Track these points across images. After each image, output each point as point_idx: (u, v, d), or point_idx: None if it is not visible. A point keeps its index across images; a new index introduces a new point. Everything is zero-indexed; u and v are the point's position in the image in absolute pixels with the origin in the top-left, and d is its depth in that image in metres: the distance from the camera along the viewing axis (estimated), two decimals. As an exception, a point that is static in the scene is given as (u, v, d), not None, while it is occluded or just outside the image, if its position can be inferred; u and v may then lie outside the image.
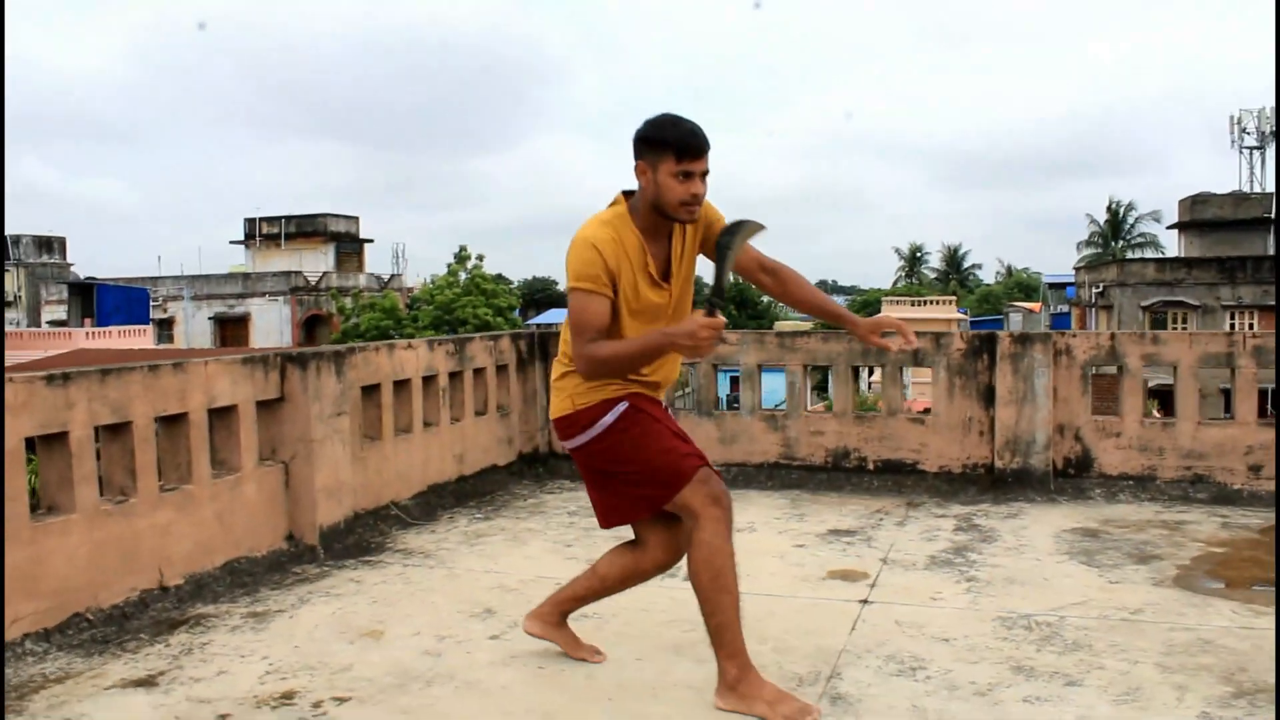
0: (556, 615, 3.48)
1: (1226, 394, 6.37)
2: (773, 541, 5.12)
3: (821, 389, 37.72)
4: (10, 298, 39.52)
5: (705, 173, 2.96)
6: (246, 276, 40.98)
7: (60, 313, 38.00)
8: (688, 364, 6.62)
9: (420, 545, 5.12)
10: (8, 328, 35.02)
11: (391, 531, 5.37)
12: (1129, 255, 48.46)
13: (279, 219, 44.35)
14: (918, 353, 6.39)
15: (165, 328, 39.45)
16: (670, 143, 2.90)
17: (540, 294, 74.90)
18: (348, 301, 35.77)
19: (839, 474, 6.46)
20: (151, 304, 37.67)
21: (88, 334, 31.69)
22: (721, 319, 2.83)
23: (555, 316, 46.20)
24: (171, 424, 4.42)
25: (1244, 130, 42.91)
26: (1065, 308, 46.50)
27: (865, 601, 4.14)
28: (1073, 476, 6.17)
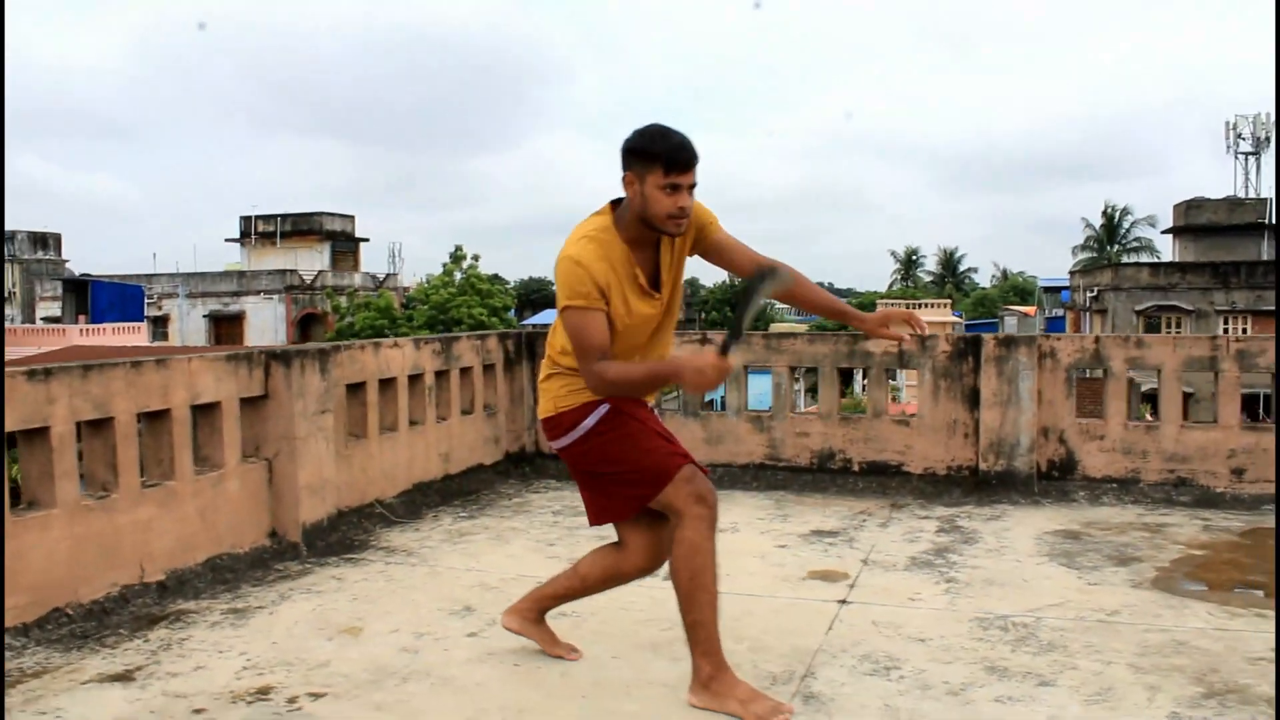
0: (535, 612, 3.50)
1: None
2: (755, 542, 5.14)
3: (814, 391, 37.80)
4: (5, 294, 39.45)
5: (693, 186, 2.96)
6: (242, 274, 40.96)
7: (55, 309, 37.96)
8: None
9: (404, 543, 5.13)
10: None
11: (376, 529, 5.38)
12: (1124, 260, 48.57)
13: (274, 217, 44.34)
14: (903, 354, 6.42)
15: (160, 325, 39.41)
16: (659, 155, 2.89)
17: (536, 294, 75.02)
18: (343, 300, 35.75)
19: (824, 475, 6.48)
20: (146, 301, 37.64)
21: (81, 331, 31.67)
22: (734, 362, 2.89)
23: (550, 317, 46.17)
24: (155, 420, 4.43)
25: (1240, 136, 43.06)
26: (1060, 311, 46.59)
27: (844, 602, 4.16)
28: (1057, 479, 6.19)
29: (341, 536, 5.17)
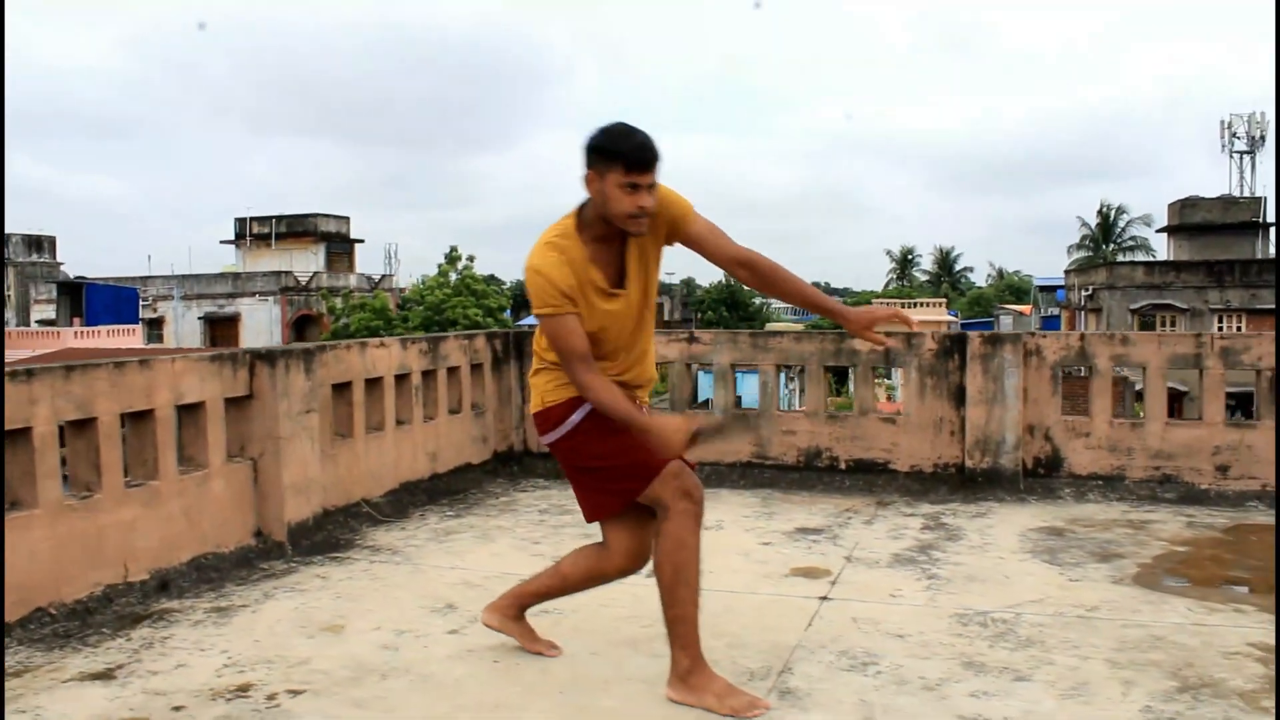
0: (515, 609, 3.52)
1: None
2: (739, 539, 5.15)
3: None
4: (3, 296, 39.42)
5: (653, 185, 2.96)
6: (237, 276, 40.95)
7: (49, 312, 37.91)
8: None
9: (389, 542, 5.15)
10: (-3, 327, 34.93)
11: (362, 529, 5.39)
12: (1119, 258, 48.64)
13: (269, 219, 44.33)
14: (889, 353, 6.44)
15: (155, 327, 39.39)
16: (621, 154, 2.91)
17: (532, 295, 74.75)
18: (338, 302, 35.73)
19: (811, 473, 6.49)
20: (141, 304, 37.60)
21: (76, 333, 31.64)
22: (699, 445, 3.00)
23: (546, 317, 46.06)
24: (139, 421, 4.44)
25: (1235, 135, 43.09)
26: (1056, 310, 46.63)
27: (825, 598, 4.17)
28: (1043, 476, 6.21)
29: (327, 536, 5.18)
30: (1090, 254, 52.38)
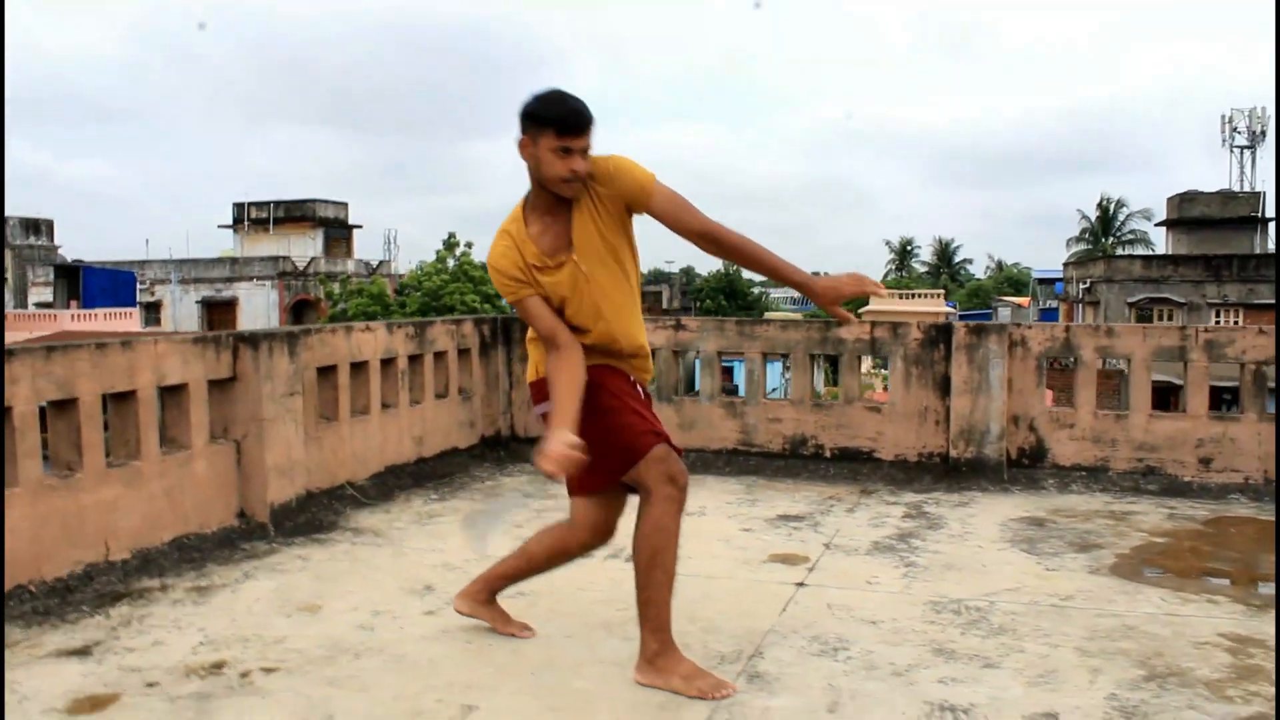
0: (486, 594, 3.54)
1: (1214, 390, 6.43)
2: (720, 526, 5.17)
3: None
4: (3, 277, 39.40)
5: (586, 150, 2.99)
6: (234, 261, 40.92)
7: (47, 295, 37.90)
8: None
9: (372, 525, 5.17)
10: (-6, 308, 34.93)
11: (346, 511, 5.41)
12: (1119, 252, 48.63)
13: (267, 204, 44.28)
14: (875, 342, 6.45)
15: (153, 311, 39.38)
16: (552, 119, 2.95)
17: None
18: (335, 287, 35.72)
19: (796, 461, 6.51)
20: (139, 287, 37.59)
21: (73, 316, 31.63)
22: (559, 468, 2.90)
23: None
24: (121, 401, 4.46)
25: (1235, 129, 43.06)
26: (1054, 303, 46.67)
27: (801, 584, 4.20)
28: (1027, 466, 6.23)
29: (311, 517, 5.20)
30: (1090, 247, 52.37)
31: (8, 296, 39.02)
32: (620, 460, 3.10)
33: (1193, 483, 6.01)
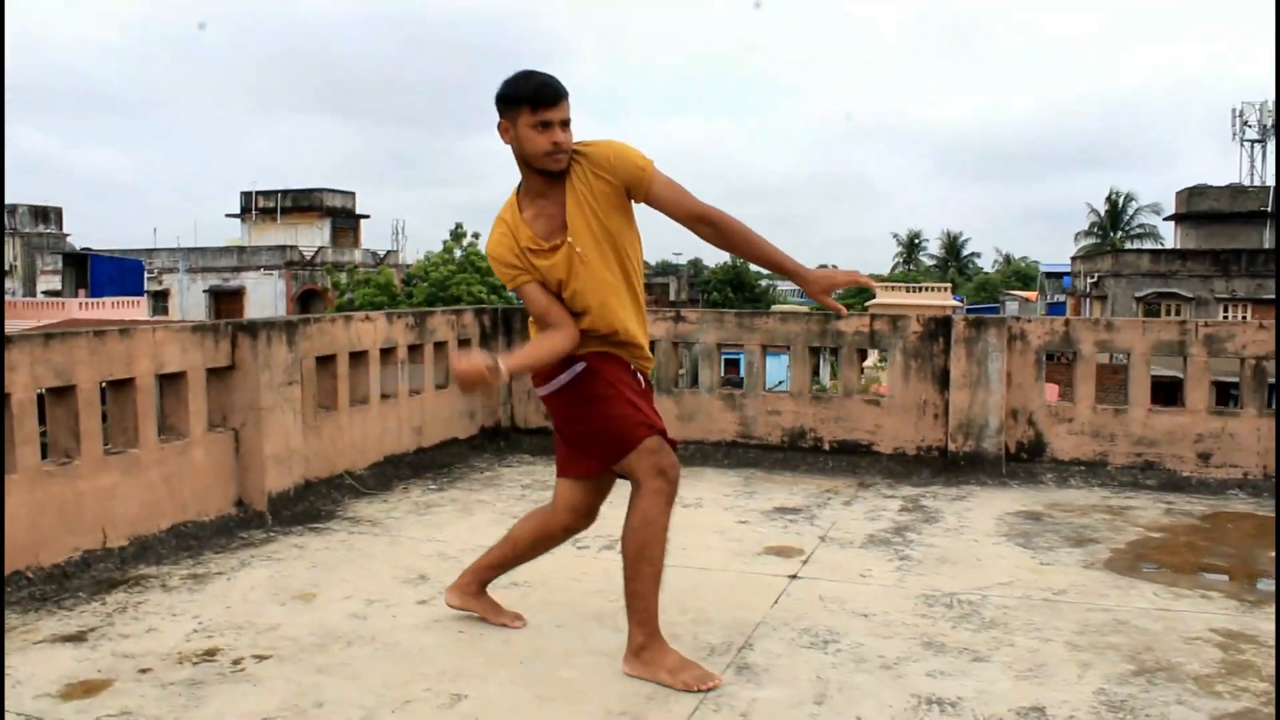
0: (476, 585, 3.56)
1: (1220, 385, 6.41)
2: (717, 518, 5.18)
3: (814, 372, 37.74)
4: (6, 267, 39.53)
5: (565, 121, 3.01)
6: (242, 250, 41.00)
7: (55, 283, 38.02)
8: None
9: (370, 514, 5.19)
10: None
11: (344, 500, 5.44)
12: (1127, 246, 48.46)
13: (275, 193, 44.33)
14: (875, 334, 6.45)
15: (160, 300, 39.49)
16: (524, 96, 2.98)
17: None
18: (342, 277, 35.80)
19: (795, 453, 6.52)
20: (146, 276, 37.69)
21: (81, 305, 31.74)
22: (456, 366, 2.99)
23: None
24: (120, 389, 4.48)
25: (1245, 123, 42.83)
26: (1062, 297, 46.54)
27: (794, 577, 4.21)
28: (1025, 461, 6.23)
29: (309, 506, 5.22)
30: (1098, 241, 52.20)
31: (17, 285, 39.16)
32: (612, 449, 3.11)
33: (1192, 478, 6.00)
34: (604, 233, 3.12)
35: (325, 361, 5.58)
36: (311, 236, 42.84)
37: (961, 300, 58.09)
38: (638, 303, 3.25)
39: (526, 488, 5.82)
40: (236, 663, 3.26)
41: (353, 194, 46.02)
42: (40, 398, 4.12)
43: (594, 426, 3.14)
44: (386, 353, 6.04)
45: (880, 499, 5.64)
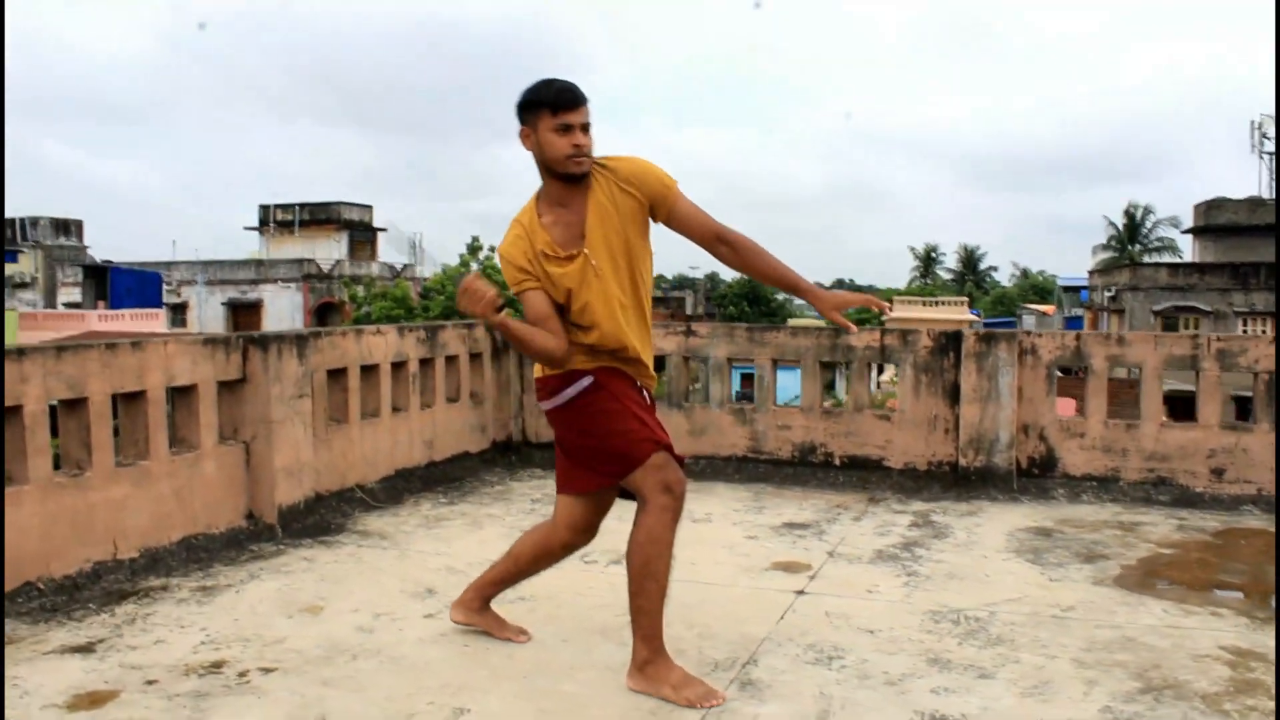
0: (479, 601, 3.57)
1: (1239, 400, 6.37)
2: (726, 533, 5.18)
3: (830, 386, 37.68)
4: (28, 279, 39.89)
5: (586, 125, 3.03)
6: (260, 263, 41.22)
7: (76, 295, 38.33)
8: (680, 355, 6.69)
9: (380, 527, 5.21)
10: (25, 309, 35.38)
11: (354, 513, 5.46)
12: (1146, 260, 48.20)
13: (293, 206, 44.59)
14: (885, 349, 6.44)
15: (179, 312, 39.74)
16: (545, 100, 3.00)
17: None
18: (360, 290, 35.92)
19: (805, 469, 6.51)
20: (165, 288, 37.94)
21: (100, 317, 31.95)
22: (468, 282, 2.97)
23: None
24: (131, 401, 4.52)
25: (1265, 135, 42.54)
26: (1079, 311, 46.31)
27: (800, 592, 4.20)
28: (1036, 476, 6.20)
29: (319, 519, 5.25)
30: (1116, 254, 51.92)
31: (39, 297, 39.50)
32: (618, 465, 3.12)
33: (1205, 493, 5.96)
34: (621, 248, 3.14)
35: (336, 375, 5.61)
36: (329, 249, 43.05)
37: (979, 314, 57.88)
38: (644, 322, 3.26)
39: (536, 502, 5.82)
40: (242, 675, 3.28)
41: (370, 207, 46.26)
42: (53, 409, 4.16)
43: (600, 442, 3.15)
44: (398, 366, 6.07)
45: (890, 514, 5.62)
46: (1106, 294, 35.74)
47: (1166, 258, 49.55)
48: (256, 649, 3.50)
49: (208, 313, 39.70)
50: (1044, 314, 53.77)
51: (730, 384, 6.79)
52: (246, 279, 40.42)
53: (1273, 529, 5.37)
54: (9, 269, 38.01)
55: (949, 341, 6.29)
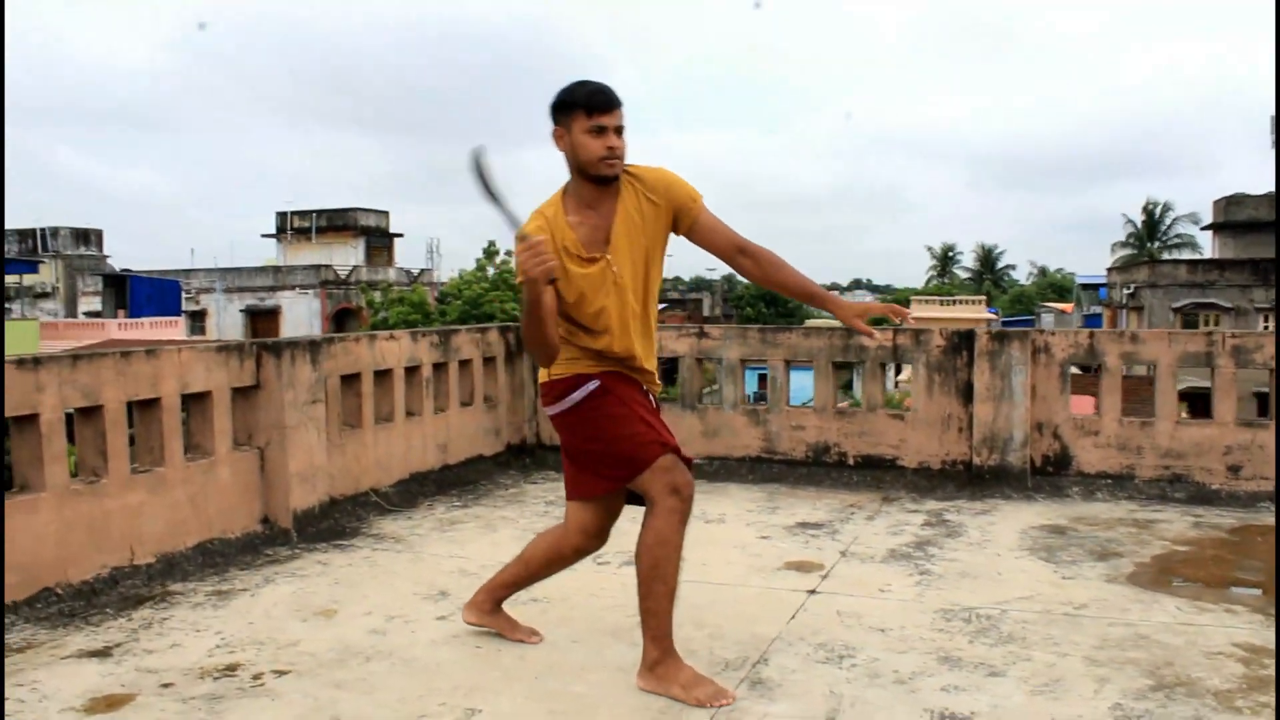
0: (490, 603, 3.59)
1: (1260, 396, 6.34)
2: (739, 533, 5.19)
3: (847, 387, 37.59)
4: (49, 289, 40.26)
5: (620, 128, 3.02)
6: (277, 270, 41.47)
7: (96, 304, 38.66)
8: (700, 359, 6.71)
9: (394, 531, 5.24)
10: (46, 319, 35.69)
11: (369, 517, 5.49)
12: (1165, 257, 47.89)
13: (310, 213, 44.84)
14: (898, 349, 6.43)
15: (198, 320, 40.01)
16: (579, 101, 2.99)
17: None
18: (377, 295, 36.08)
19: (819, 469, 6.51)
20: (184, 296, 38.21)
21: (120, 325, 32.21)
22: (530, 238, 2.80)
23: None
24: (146, 409, 4.56)
25: (1284, 131, 42.21)
26: (1098, 309, 46.06)
27: (812, 592, 4.20)
28: (1051, 474, 6.18)
29: (334, 524, 5.28)
30: (1135, 252, 51.62)
31: (59, 306, 39.84)
32: (625, 469, 3.13)
33: (1221, 490, 5.93)
34: (641, 259, 3.16)
35: (350, 380, 5.65)
36: (346, 255, 43.26)
37: (997, 313, 57.62)
38: (650, 331, 3.29)
39: (550, 504, 5.84)
40: (256, 678, 3.31)
41: (386, 213, 46.47)
42: (69, 418, 4.21)
43: (607, 446, 3.15)
44: (412, 371, 6.10)
45: (903, 513, 5.62)
46: (1125, 291, 35.53)
47: (1186, 254, 49.23)
48: (271, 652, 3.53)
49: (226, 320, 39.96)
50: (1062, 312, 53.49)
51: (744, 385, 6.79)
52: (264, 286, 40.67)
53: (1289, 525, 5.34)
54: (30, 279, 38.34)
55: (962, 341, 6.28)
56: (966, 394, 6.25)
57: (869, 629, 3.74)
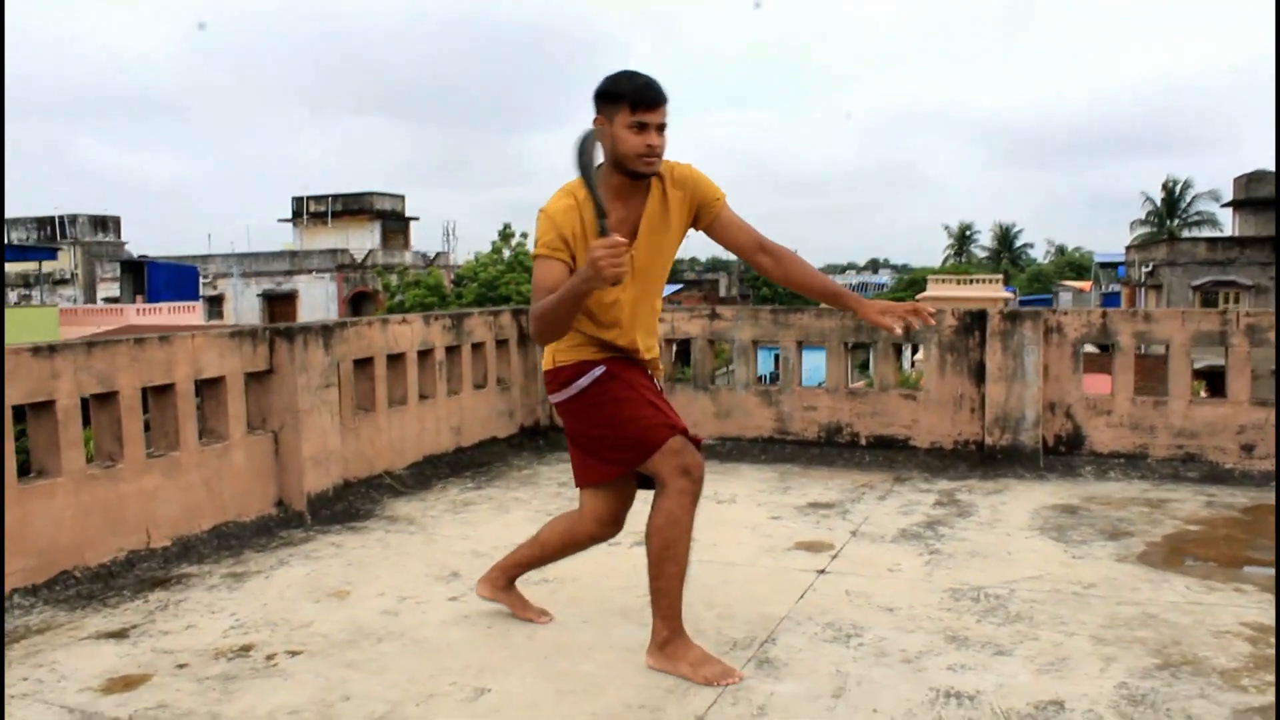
0: (504, 580, 3.62)
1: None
2: (750, 513, 5.21)
3: (864, 367, 37.48)
4: (68, 275, 40.53)
5: (662, 126, 3.00)
6: (294, 254, 41.62)
7: (115, 290, 38.90)
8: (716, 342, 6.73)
9: (407, 513, 5.29)
10: (65, 305, 35.95)
11: (383, 499, 5.54)
12: (1185, 235, 47.50)
13: (326, 197, 44.94)
14: (909, 330, 6.41)
15: (215, 305, 40.23)
16: (625, 95, 2.96)
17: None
18: (393, 279, 36.20)
19: (831, 449, 6.52)
20: (202, 281, 38.41)
21: (139, 310, 32.41)
22: (616, 238, 2.74)
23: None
24: (161, 394, 4.61)
25: (1306, 106, 41.71)
26: (1116, 287, 45.76)
27: (822, 572, 4.22)
28: (1063, 454, 6.17)
29: (347, 506, 5.33)
30: (1154, 230, 51.21)
31: (78, 292, 40.12)
32: (634, 452, 3.14)
33: (1234, 470, 5.91)
34: (658, 252, 3.18)
35: (363, 364, 5.69)
36: (362, 239, 43.36)
37: (1014, 291, 57.31)
38: (654, 324, 3.33)
39: (563, 485, 5.88)
40: (270, 658, 3.36)
41: (402, 197, 46.51)
42: (85, 403, 4.26)
43: (614, 431, 3.16)
44: (424, 354, 6.14)
45: (915, 493, 5.63)
46: (1144, 270, 35.27)
47: (1206, 232, 48.83)
48: (284, 633, 3.58)
49: (244, 304, 40.16)
50: (1081, 290, 53.16)
51: (756, 366, 6.81)
52: (281, 270, 40.82)
53: (1303, 504, 5.32)
54: (49, 266, 38.59)
55: (974, 321, 6.27)
56: (979, 374, 6.24)
57: (877, 608, 3.76)
